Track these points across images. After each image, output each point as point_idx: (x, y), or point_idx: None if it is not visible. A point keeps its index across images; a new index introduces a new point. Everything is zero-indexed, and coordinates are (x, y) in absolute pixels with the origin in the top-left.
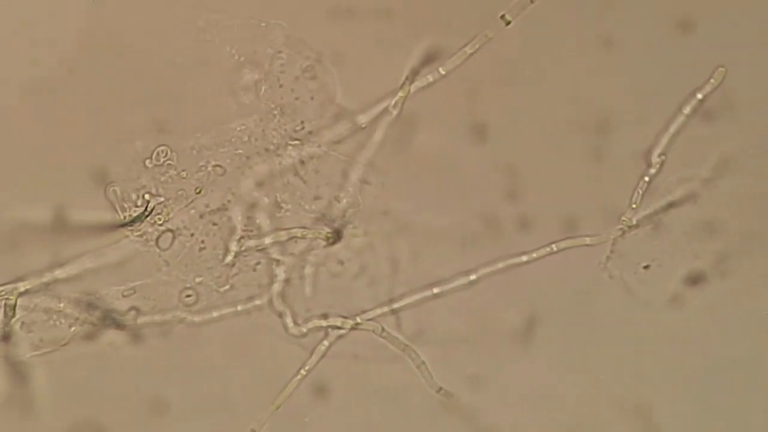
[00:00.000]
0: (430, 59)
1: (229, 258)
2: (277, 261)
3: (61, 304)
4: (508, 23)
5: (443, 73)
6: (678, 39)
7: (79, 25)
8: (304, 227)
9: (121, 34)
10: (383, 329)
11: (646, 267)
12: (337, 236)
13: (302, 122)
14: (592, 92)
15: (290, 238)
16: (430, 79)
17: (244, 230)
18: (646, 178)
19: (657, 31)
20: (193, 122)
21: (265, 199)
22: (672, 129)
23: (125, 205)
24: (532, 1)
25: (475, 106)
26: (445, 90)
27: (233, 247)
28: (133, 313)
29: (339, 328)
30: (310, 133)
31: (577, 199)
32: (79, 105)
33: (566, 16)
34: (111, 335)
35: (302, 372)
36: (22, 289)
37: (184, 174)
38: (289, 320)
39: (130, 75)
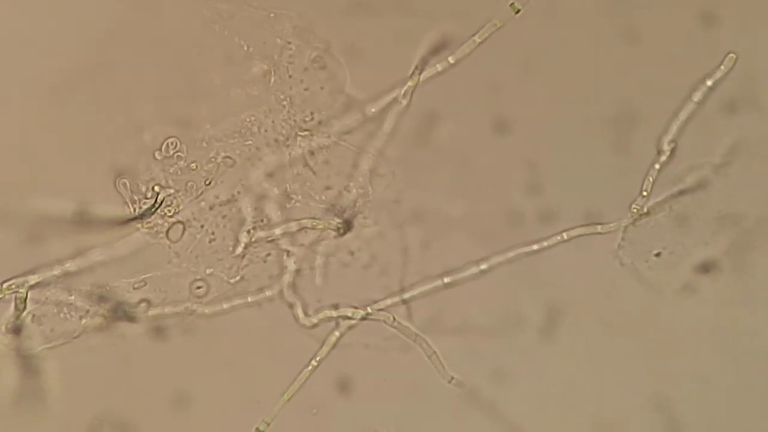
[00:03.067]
0: (439, 48)
1: (240, 249)
2: (288, 252)
3: (72, 297)
4: (518, 11)
5: (452, 62)
6: (699, 29)
7: (85, 19)
8: (314, 218)
9: (128, 26)
10: (394, 319)
11: (657, 254)
12: (347, 226)
13: (312, 113)
14: (614, 84)
15: (300, 229)
16: (440, 68)
17: (254, 221)
18: (657, 166)
19: (678, 20)
20: (203, 114)
21: (275, 190)
22: (682, 116)
23: (135, 198)
24: None
25: (493, 98)
26: (463, 82)
27: (243, 238)
28: (143, 305)
29: (350, 318)
30: (319, 123)
31: (596, 191)
32: (86, 97)
33: (585, 5)
34: (122, 327)
35: (313, 363)
36: (32, 282)
37: (193, 166)
38: (299, 311)
39: (138, 67)
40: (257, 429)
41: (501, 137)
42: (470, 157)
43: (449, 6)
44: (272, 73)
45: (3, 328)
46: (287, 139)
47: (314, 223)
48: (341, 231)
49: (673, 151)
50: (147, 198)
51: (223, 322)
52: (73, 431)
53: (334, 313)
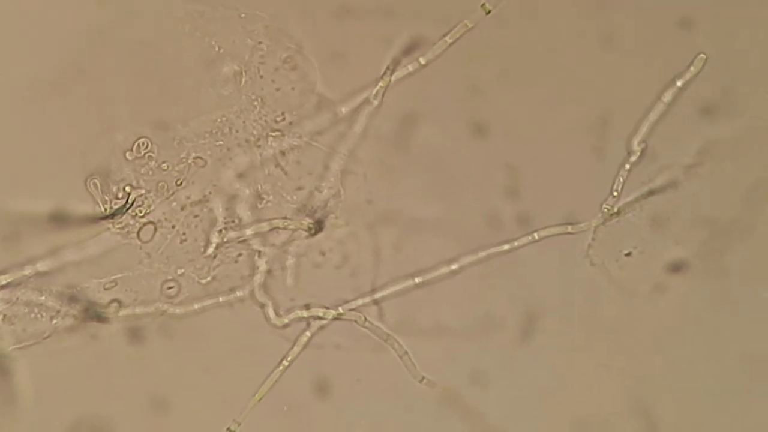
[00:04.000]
0: (411, 49)
1: (211, 249)
2: (259, 252)
3: (43, 297)
4: (489, 12)
5: (423, 63)
6: (675, 32)
7: (58, 21)
8: (285, 218)
9: (100, 27)
10: (366, 319)
11: (627, 254)
12: (318, 227)
13: (283, 113)
14: (586, 84)
15: (272, 229)
16: (410, 69)
17: (225, 222)
18: (627, 166)
19: (653, 24)
20: (174, 114)
21: (247, 191)
22: (652, 117)
23: (106, 198)
24: None
25: (467, 100)
26: (436, 83)
27: (215, 238)
28: (114, 305)
29: (321, 318)
30: (290, 123)
31: (568, 191)
32: (58, 98)
33: (557, 5)
34: (93, 328)
35: (284, 363)
36: (3, 282)
37: (165, 166)
38: (270, 311)
39: (109, 67)
40: (228, 429)
41: (473, 139)
42: (442, 158)
43: (421, 7)
44: (243, 73)
45: None
46: (258, 140)
47: (286, 224)
48: (313, 231)
49: (643, 151)
50: (118, 198)
51: (194, 322)
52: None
53: (306, 314)
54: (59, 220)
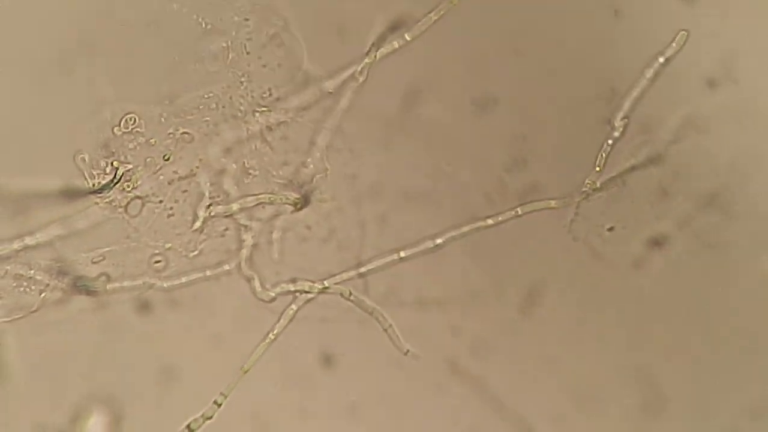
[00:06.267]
0: (396, 26)
1: (198, 224)
2: (245, 226)
3: (32, 271)
4: None
5: (408, 39)
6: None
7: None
8: (271, 193)
9: (87, 3)
10: (351, 293)
11: (610, 229)
12: (304, 201)
13: (269, 89)
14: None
15: (258, 204)
16: (396, 45)
17: (212, 196)
18: (610, 141)
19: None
20: (161, 90)
21: (233, 166)
22: (635, 92)
23: (94, 173)
24: None
25: (453, 75)
26: (421, 59)
27: (201, 213)
28: (102, 279)
29: (307, 292)
30: (277, 99)
31: (550, 166)
32: (46, 73)
33: None
34: (81, 301)
35: (270, 336)
36: None
37: (152, 141)
38: (257, 285)
39: (97, 44)
40: (215, 402)
41: (459, 114)
42: (427, 133)
43: None
44: (230, 49)
45: None
46: (245, 115)
47: (272, 198)
48: (299, 206)
49: (625, 127)
50: (106, 173)
51: (181, 295)
52: (31, 403)
53: (292, 287)
54: (47, 194)
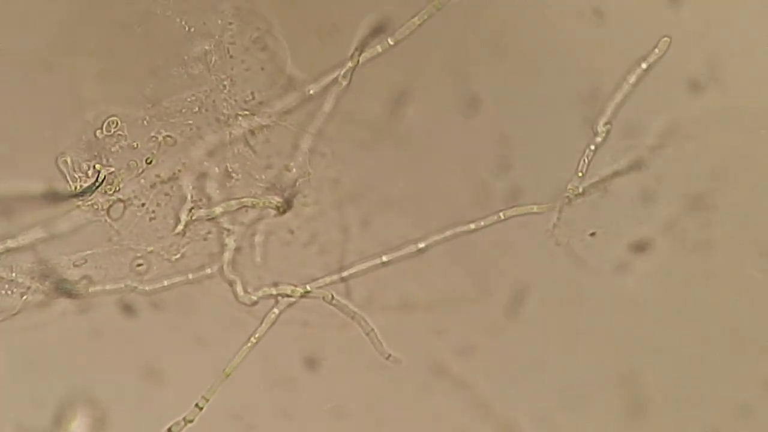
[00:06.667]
0: (379, 30)
1: (180, 227)
2: (228, 230)
3: (14, 274)
4: None
5: (392, 43)
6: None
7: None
8: (254, 196)
9: (71, 6)
10: (333, 297)
11: (592, 234)
12: (287, 205)
13: (252, 93)
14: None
15: (241, 208)
16: (379, 49)
17: (194, 200)
18: (592, 147)
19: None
20: (144, 93)
21: (216, 169)
22: (618, 98)
23: (76, 176)
24: None
25: (437, 78)
26: (404, 62)
27: (184, 216)
28: (84, 282)
29: (289, 296)
30: (260, 103)
31: (532, 172)
32: (28, 76)
33: None
34: (63, 304)
35: (252, 339)
36: None
37: (134, 144)
38: (239, 288)
39: (80, 46)
40: (196, 405)
41: (442, 118)
42: (410, 137)
43: None
44: (213, 53)
45: None
46: (228, 119)
47: (254, 202)
48: (281, 210)
49: (608, 132)
50: (88, 176)
51: (163, 299)
52: (13, 406)
53: (274, 291)
54: (29, 197)
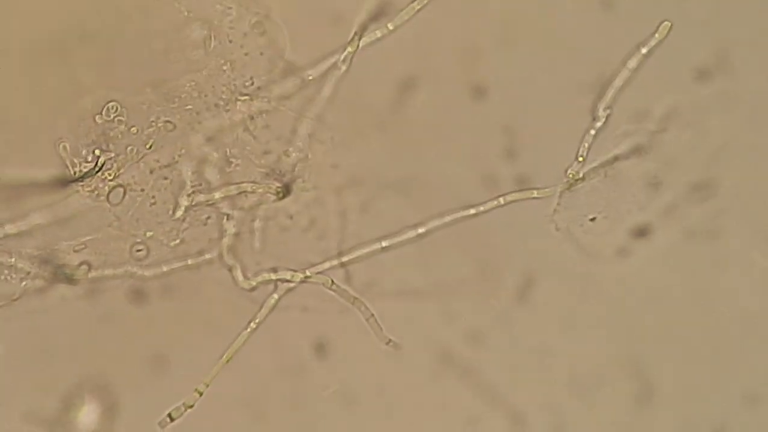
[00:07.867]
0: (379, 15)
1: (180, 212)
2: (227, 215)
3: (13, 259)
4: None
5: (391, 28)
6: None
7: None
8: (253, 182)
9: None
10: (333, 282)
11: (592, 219)
12: (286, 190)
13: (251, 78)
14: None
15: (240, 193)
16: (379, 34)
17: (194, 185)
18: (592, 132)
19: None
20: (143, 78)
21: (215, 154)
22: (617, 83)
23: (75, 161)
24: None
25: (436, 64)
26: (403, 47)
27: (183, 201)
28: (84, 267)
29: (288, 281)
30: (259, 88)
31: (533, 156)
32: (27, 61)
33: None
34: (62, 290)
35: (252, 325)
36: None
37: (134, 129)
38: (238, 274)
39: (78, 31)
40: (196, 390)
41: (442, 103)
42: (410, 122)
43: None
44: (212, 38)
45: None
46: (227, 104)
47: (254, 187)
48: (280, 195)
49: (608, 117)
50: (87, 161)
51: (162, 284)
52: (18, 393)
53: (273, 276)
54: (28, 183)
